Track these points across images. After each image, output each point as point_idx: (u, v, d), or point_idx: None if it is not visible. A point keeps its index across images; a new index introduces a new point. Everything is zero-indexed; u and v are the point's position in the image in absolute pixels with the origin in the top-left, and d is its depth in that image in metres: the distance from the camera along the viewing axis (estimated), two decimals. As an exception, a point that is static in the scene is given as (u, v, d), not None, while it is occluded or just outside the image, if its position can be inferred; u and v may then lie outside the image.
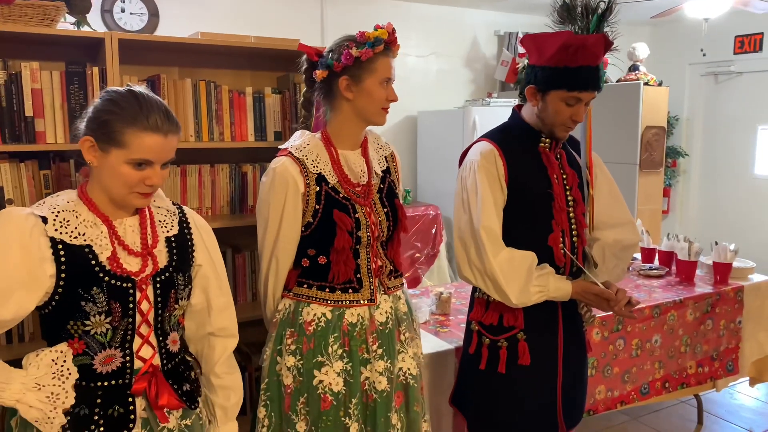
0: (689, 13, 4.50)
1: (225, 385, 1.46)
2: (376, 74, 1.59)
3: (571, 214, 1.75)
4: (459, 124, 4.81)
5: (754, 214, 5.81)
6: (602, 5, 1.69)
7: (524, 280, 1.66)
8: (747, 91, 5.84)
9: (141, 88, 1.29)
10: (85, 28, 2.10)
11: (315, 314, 1.63)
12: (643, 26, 6.44)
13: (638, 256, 3.39)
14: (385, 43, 1.59)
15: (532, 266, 1.68)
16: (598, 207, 1.84)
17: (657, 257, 3.25)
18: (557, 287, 1.71)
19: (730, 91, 5.99)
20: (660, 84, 4.91)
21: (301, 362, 1.62)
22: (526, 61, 1.76)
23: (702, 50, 5.32)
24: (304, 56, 1.70)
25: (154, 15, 4.18)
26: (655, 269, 3.09)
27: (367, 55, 1.57)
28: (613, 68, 5.61)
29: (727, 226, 5.89)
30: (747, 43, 5.73)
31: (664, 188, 5.64)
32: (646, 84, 4.71)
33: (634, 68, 4.99)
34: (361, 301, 1.64)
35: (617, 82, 5.05)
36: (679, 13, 4.61)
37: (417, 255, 4.74)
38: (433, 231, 4.80)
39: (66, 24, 2.06)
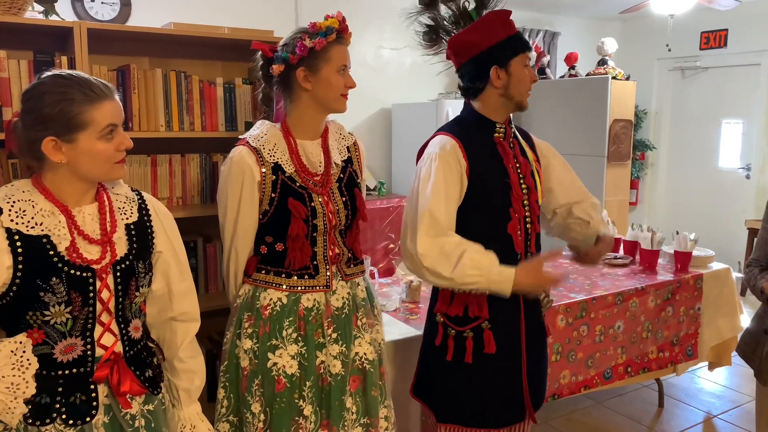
0: (656, 9, 4.61)
1: (188, 368, 1.47)
2: (332, 62, 1.63)
3: (525, 202, 1.79)
4: (433, 117, 4.86)
5: (717, 205, 5.99)
6: None
7: (456, 258, 1.64)
8: (712, 86, 6.01)
9: (59, 70, 1.29)
10: (53, 17, 2.09)
11: (271, 299, 1.67)
12: (612, 21, 6.56)
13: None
14: (337, 32, 1.63)
15: (463, 245, 1.67)
16: (560, 190, 1.93)
17: (622, 247, 3.35)
18: (499, 270, 1.64)
19: (696, 85, 6.15)
20: (628, 78, 5.02)
21: (257, 345, 1.66)
22: (453, 68, 1.83)
23: (667, 45, 5.45)
24: (259, 53, 1.74)
25: (126, 4, 4.14)
26: (619, 258, 3.19)
27: (321, 45, 1.61)
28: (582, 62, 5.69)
29: (693, 217, 6.06)
30: (712, 39, 5.88)
31: (632, 180, 5.78)
32: (614, 78, 4.81)
33: (602, 62, 5.09)
34: (317, 287, 1.69)
35: (586, 75, 5.15)
36: (647, 8, 4.73)
37: (391, 246, 4.80)
38: (407, 222, 4.85)
39: (34, 13, 2.05)
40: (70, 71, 1.27)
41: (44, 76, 1.25)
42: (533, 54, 5.10)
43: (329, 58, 1.63)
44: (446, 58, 1.88)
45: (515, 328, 1.80)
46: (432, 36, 1.82)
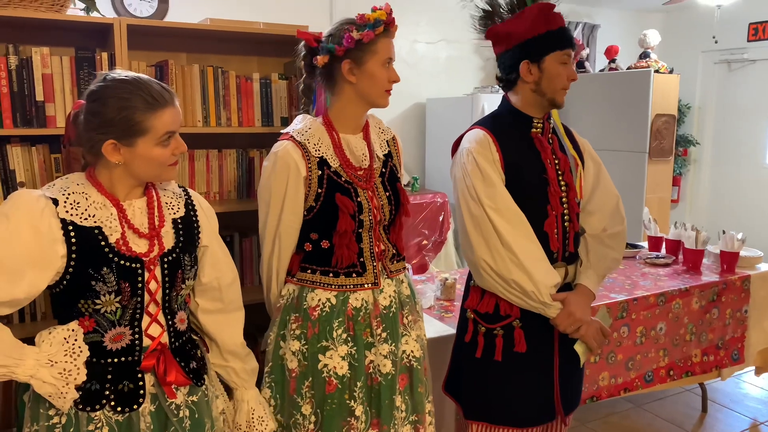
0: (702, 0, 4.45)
1: (248, 351, 1.57)
2: (378, 55, 1.60)
3: (563, 199, 1.74)
4: (468, 112, 4.80)
5: (764, 203, 5.78)
6: None
7: (547, 261, 1.68)
8: (760, 80, 5.78)
9: (124, 72, 1.31)
10: (94, 14, 2.12)
11: (320, 299, 1.65)
12: (654, 13, 6.37)
13: (645, 244, 3.39)
14: (384, 24, 1.60)
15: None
16: (584, 192, 1.84)
17: (664, 246, 3.25)
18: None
19: (743, 79, 5.93)
20: (671, 71, 4.87)
21: (306, 347, 1.64)
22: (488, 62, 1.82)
23: (714, 37, 5.26)
24: (303, 43, 1.71)
25: (163, 1, 4.19)
26: (661, 257, 3.09)
27: (368, 37, 1.58)
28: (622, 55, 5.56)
29: (737, 216, 5.86)
30: (761, 30, 5.66)
31: (674, 177, 5.61)
32: (656, 71, 4.67)
33: (644, 55, 4.95)
34: (366, 285, 1.66)
35: (627, 69, 5.01)
36: (692, -1, 4.57)
37: (424, 242, 4.76)
38: (441, 218, 4.82)
39: (75, 9, 2.08)
40: (135, 75, 1.30)
41: (110, 78, 1.28)
42: (578, 52, 5.00)
43: (375, 51, 1.60)
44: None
45: (548, 328, 1.75)
46: (487, 22, 1.79)
